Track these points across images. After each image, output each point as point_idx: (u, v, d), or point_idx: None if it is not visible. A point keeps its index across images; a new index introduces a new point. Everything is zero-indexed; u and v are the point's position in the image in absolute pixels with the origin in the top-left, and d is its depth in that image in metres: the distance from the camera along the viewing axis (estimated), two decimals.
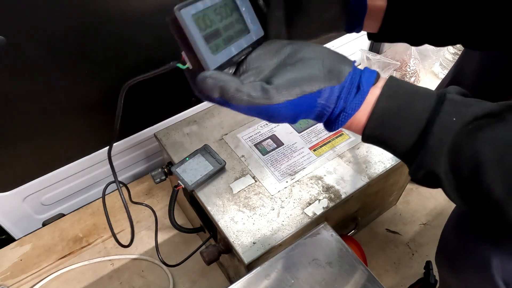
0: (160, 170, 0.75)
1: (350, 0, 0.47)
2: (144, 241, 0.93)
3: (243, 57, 0.38)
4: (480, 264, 0.46)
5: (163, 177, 0.75)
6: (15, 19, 0.61)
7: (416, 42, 0.53)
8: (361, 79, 0.36)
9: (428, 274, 0.84)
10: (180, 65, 0.36)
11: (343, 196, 0.70)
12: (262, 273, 0.54)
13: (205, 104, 0.99)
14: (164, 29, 0.78)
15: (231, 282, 0.68)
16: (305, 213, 0.68)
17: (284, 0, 0.42)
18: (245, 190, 0.71)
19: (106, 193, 1.01)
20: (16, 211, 0.89)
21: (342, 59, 0.37)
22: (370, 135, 0.38)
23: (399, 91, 0.36)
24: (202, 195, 0.70)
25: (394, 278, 0.88)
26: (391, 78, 0.38)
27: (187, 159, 0.73)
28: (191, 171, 0.71)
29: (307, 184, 0.72)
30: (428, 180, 0.37)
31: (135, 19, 0.73)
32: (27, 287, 0.86)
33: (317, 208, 0.68)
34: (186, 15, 0.33)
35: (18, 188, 0.84)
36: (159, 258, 0.80)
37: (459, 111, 0.34)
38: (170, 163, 0.75)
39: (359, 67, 0.39)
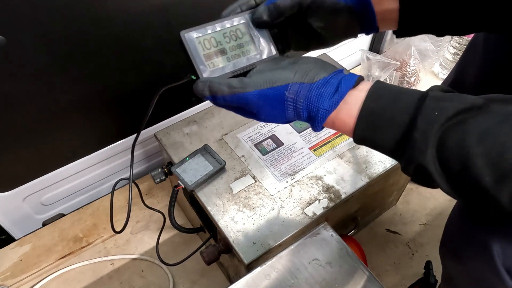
0: (160, 170, 0.75)
1: (355, 11, 0.47)
2: (144, 241, 0.93)
3: (245, 70, 0.44)
4: (482, 250, 0.46)
5: (163, 177, 0.75)
6: (15, 19, 0.61)
7: (439, 33, 0.52)
8: (340, 82, 0.40)
9: (428, 274, 0.84)
10: (192, 77, 0.44)
11: (343, 196, 0.70)
12: (262, 273, 0.54)
13: (205, 104, 0.99)
14: (164, 29, 0.79)
15: (231, 282, 0.68)
16: (305, 213, 0.68)
17: (297, 41, 0.50)
18: (245, 190, 0.71)
19: (107, 193, 1.02)
20: (16, 211, 0.89)
21: (324, 67, 0.41)
22: (360, 136, 0.40)
23: (384, 93, 0.39)
24: (202, 195, 0.70)
25: (394, 278, 0.88)
26: (377, 82, 0.40)
27: (187, 159, 0.73)
28: (191, 171, 0.71)
29: (307, 184, 0.72)
30: (420, 174, 0.38)
31: (135, 19, 0.73)
32: (27, 287, 0.86)
33: (317, 208, 0.68)
34: (189, 38, 0.42)
35: (18, 188, 0.84)
36: (158, 257, 0.80)
37: (441, 106, 0.36)
38: (170, 163, 0.75)
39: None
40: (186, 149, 0.77)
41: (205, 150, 0.74)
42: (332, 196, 0.70)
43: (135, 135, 0.60)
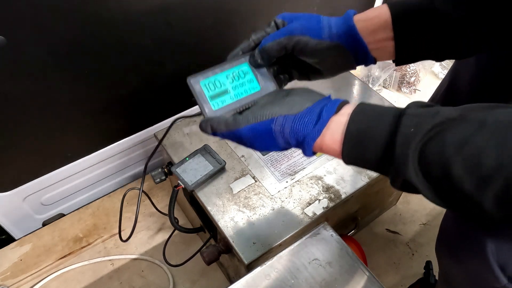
0: (160, 170, 0.75)
1: (344, 46, 0.49)
2: (144, 241, 0.93)
3: (248, 106, 0.48)
4: (476, 248, 0.46)
5: (163, 177, 0.75)
6: (15, 19, 0.61)
7: (437, 59, 0.53)
8: (322, 110, 0.42)
9: (428, 274, 0.84)
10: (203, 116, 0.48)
11: (343, 196, 0.70)
12: (262, 273, 0.54)
13: None
14: (164, 30, 0.79)
15: (231, 282, 0.68)
16: (305, 213, 0.68)
17: (299, 73, 0.53)
18: (245, 190, 0.71)
19: (107, 192, 1.02)
20: (16, 211, 0.89)
21: (310, 98, 0.44)
22: (348, 158, 0.43)
23: (364, 115, 0.41)
24: (202, 195, 0.70)
25: (394, 278, 0.88)
26: (359, 104, 0.43)
27: (187, 159, 0.73)
28: (191, 171, 0.71)
29: (307, 184, 0.72)
30: (408, 188, 0.40)
31: (135, 19, 0.73)
32: (27, 287, 0.86)
33: (317, 208, 0.68)
34: (194, 82, 0.47)
35: (18, 188, 0.84)
36: (164, 260, 0.81)
37: (417, 122, 0.37)
38: (170, 163, 0.75)
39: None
40: (186, 149, 0.77)
41: (205, 150, 0.74)
42: (332, 196, 0.70)
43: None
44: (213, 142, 0.79)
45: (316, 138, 0.42)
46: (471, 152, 0.34)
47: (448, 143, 0.35)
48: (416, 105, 0.40)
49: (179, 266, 0.81)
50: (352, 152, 0.42)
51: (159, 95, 0.90)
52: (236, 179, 0.73)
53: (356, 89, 0.89)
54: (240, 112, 0.47)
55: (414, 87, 1.29)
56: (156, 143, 0.79)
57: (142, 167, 1.05)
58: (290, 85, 0.55)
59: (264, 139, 0.45)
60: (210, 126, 0.46)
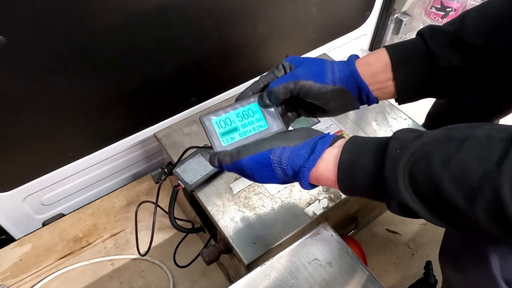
0: (160, 170, 0.75)
1: (349, 91, 0.52)
2: (144, 241, 0.93)
3: None
4: (480, 261, 0.46)
5: (163, 177, 0.75)
6: (15, 19, 0.61)
7: (438, 97, 0.55)
8: (317, 144, 0.45)
9: (428, 274, 0.84)
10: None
11: (343, 196, 0.70)
12: (262, 273, 0.54)
13: (205, 104, 0.99)
14: (164, 29, 0.79)
15: (231, 282, 0.68)
16: (305, 213, 0.68)
17: (306, 111, 0.56)
18: (245, 190, 0.71)
19: (107, 192, 1.02)
20: (16, 211, 0.89)
21: (309, 134, 0.48)
22: (343, 187, 0.44)
23: (355, 145, 0.44)
24: (202, 195, 0.70)
25: (394, 278, 0.88)
26: (352, 137, 0.45)
27: (187, 159, 0.73)
28: (191, 171, 0.71)
29: None
30: (404, 211, 0.40)
31: (135, 19, 0.73)
32: (27, 287, 0.86)
33: (317, 208, 0.68)
34: (207, 120, 0.51)
35: (18, 188, 0.84)
36: (174, 262, 0.81)
37: (403, 145, 0.39)
38: (170, 163, 0.75)
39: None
40: (185, 155, 0.77)
41: (205, 150, 0.74)
42: (332, 196, 0.70)
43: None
44: None
45: (311, 168, 0.45)
46: (457, 166, 0.35)
47: (435, 160, 0.37)
48: (402, 131, 0.42)
49: (185, 267, 0.81)
50: (347, 180, 0.44)
51: (159, 95, 0.90)
52: (236, 179, 0.73)
53: None
54: (244, 146, 0.51)
55: None
56: (156, 143, 0.79)
57: (142, 167, 1.05)
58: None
59: (263, 169, 0.47)
60: (217, 159, 0.50)
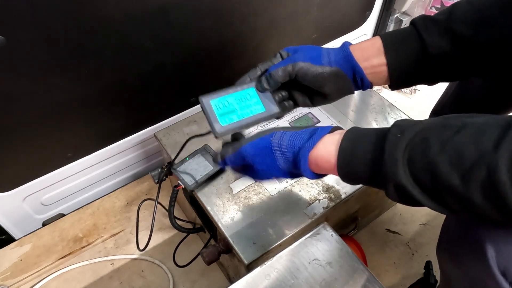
0: (160, 170, 0.75)
1: (343, 71, 0.54)
2: (145, 241, 0.93)
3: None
4: (476, 252, 0.46)
5: (163, 177, 0.75)
6: (15, 19, 0.61)
7: (430, 83, 0.57)
8: (317, 129, 0.47)
9: (428, 274, 0.84)
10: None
11: (343, 196, 0.70)
12: (262, 273, 0.54)
13: None
14: (164, 29, 0.79)
15: (231, 282, 0.68)
16: (305, 213, 0.68)
17: (303, 98, 0.57)
18: (245, 190, 0.71)
19: (107, 192, 1.02)
20: (16, 211, 0.89)
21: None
22: (343, 173, 0.46)
23: (357, 134, 0.45)
24: (202, 195, 0.70)
25: (394, 278, 0.88)
26: (352, 127, 0.47)
27: (187, 159, 0.73)
28: (191, 171, 0.71)
29: (307, 184, 0.72)
30: (402, 195, 0.41)
31: (135, 19, 0.73)
32: (27, 287, 0.86)
33: (317, 208, 0.68)
34: (206, 101, 0.52)
35: (18, 188, 0.84)
36: (174, 262, 0.82)
37: (402, 130, 0.41)
38: (170, 163, 0.75)
39: None
40: (186, 149, 0.77)
41: (205, 150, 0.74)
42: (332, 196, 0.70)
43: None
44: (214, 142, 0.79)
45: (310, 148, 0.46)
46: (453, 150, 0.37)
47: (432, 144, 0.38)
48: (402, 120, 0.44)
49: (184, 267, 0.81)
50: (346, 167, 0.45)
51: (159, 95, 0.90)
52: (236, 179, 0.73)
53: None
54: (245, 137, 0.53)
55: (414, 87, 1.28)
56: (156, 143, 0.79)
57: (142, 167, 1.05)
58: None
59: (264, 154, 0.49)
60: (220, 156, 0.53)
